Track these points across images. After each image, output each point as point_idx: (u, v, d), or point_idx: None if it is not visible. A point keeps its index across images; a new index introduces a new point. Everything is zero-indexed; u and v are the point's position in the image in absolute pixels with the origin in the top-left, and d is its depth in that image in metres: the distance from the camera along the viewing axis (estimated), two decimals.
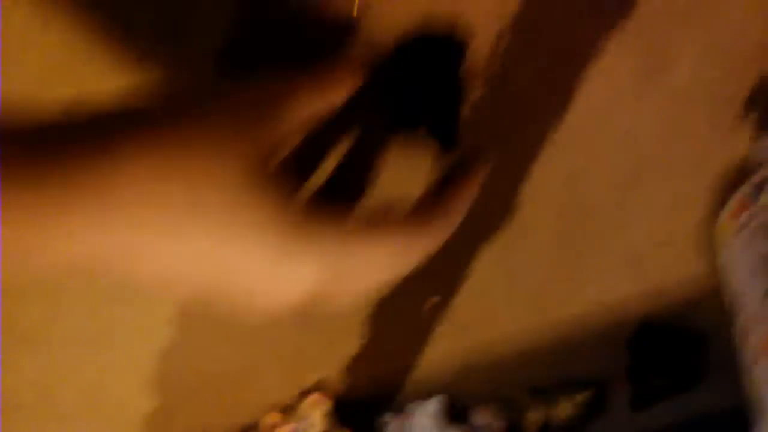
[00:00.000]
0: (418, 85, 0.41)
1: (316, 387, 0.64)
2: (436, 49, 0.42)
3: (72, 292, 0.60)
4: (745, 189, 0.48)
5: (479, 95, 0.45)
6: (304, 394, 0.64)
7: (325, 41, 0.42)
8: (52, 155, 0.25)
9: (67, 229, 0.25)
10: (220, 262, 0.29)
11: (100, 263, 0.27)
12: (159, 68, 0.44)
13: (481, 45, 0.43)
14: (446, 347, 0.61)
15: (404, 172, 0.49)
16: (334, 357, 0.63)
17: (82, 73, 0.44)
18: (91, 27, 0.42)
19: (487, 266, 0.55)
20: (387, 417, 0.62)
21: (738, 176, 0.49)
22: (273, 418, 0.64)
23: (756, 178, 0.47)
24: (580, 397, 0.63)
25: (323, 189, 0.37)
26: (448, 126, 0.42)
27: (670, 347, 0.61)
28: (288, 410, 0.64)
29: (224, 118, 0.29)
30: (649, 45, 0.43)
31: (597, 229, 0.53)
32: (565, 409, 0.63)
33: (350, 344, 0.62)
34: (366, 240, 0.31)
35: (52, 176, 0.25)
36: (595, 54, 0.43)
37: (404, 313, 0.59)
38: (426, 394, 0.63)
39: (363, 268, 0.31)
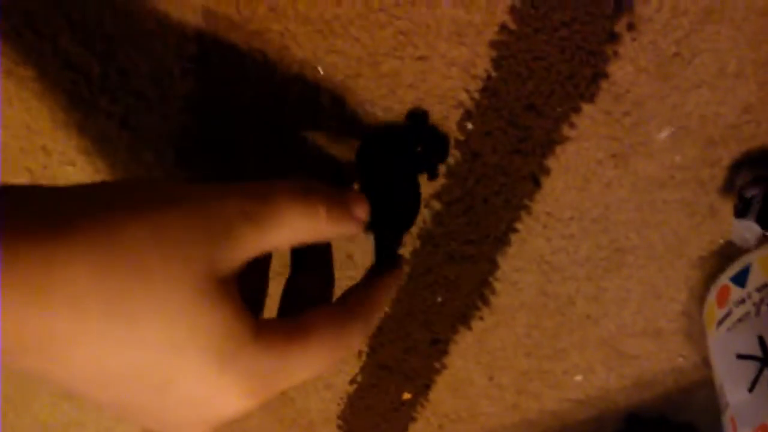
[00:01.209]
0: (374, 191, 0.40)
1: None
2: (395, 148, 0.41)
3: (36, 383, 0.59)
4: (726, 277, 0.46)
5: (446, 183, 0.44)
6: None
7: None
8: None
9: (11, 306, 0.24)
10: (159, 371, 0.27)
11: (40, 353, 0.25)
12: (117, 160, 0.43)
13: (447, 131, 0.42)
14: None
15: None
16: None
17: (41, 155, 0.43)
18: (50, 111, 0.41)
19: (464, 357, 0.53)
20: None
21: (721, 263, 0.47)
22: None
23: (736, 267, 0.45)
24: None
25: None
26: (394, 242, 0.40)
27: None
28: None
29: (186, 219, 0.27)
30: (616, 131, 0.41)
31: (575, 319, 0.50)
32: None
33: None
34: (301, 340, 0.30)
35: None
36: (562, 139, 0.42)
37: (377, 411, 0.57)
38: None
39: (296, 366, 0.30)
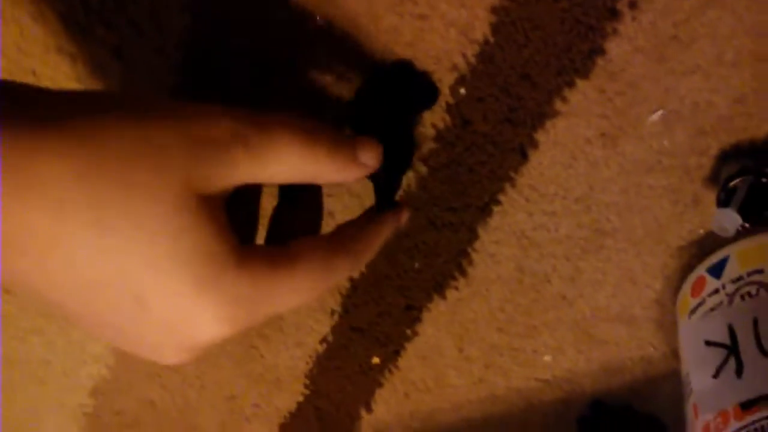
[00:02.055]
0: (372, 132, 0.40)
1: None
2: (391, 93, 0.41)
3: (6, 318, 0.58)
4: (703, 268, 0.46)
5: (434, 147, 0.44)
6: None
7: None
8: None
9: None
10: (133, 285, 0.27)
11: (16, 250, 0.25)
12: (110, 87, 0.43)
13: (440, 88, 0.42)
14: (389, 412, 0.59)
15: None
16: (271, 410, 0.61)
17: (29, 79, 0.43)
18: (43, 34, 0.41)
19: (437, 326, 0.53)
20: None
21: (699, 253, 0.48)
22: None
23: (714, 258, 0.45)
24: None
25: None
26: (392, 186, 0.41)
27: (623, 428, 0.58)
28: None
29: (175, 131, 0.27)
30: (607, 110, 0.41)
31: (549, 297, 0.51)
32: None
33: (288, 399, 0.60)
34: (286, 268, 0.30)
35: None
36: (554, 113, 0.42)
37: (345, 373, 0.57)
38: None
39: (279, 295, 0.30)
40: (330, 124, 0.42)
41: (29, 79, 0.42)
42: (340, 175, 0.33)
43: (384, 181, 0.39)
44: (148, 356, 0.30)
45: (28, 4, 0.39)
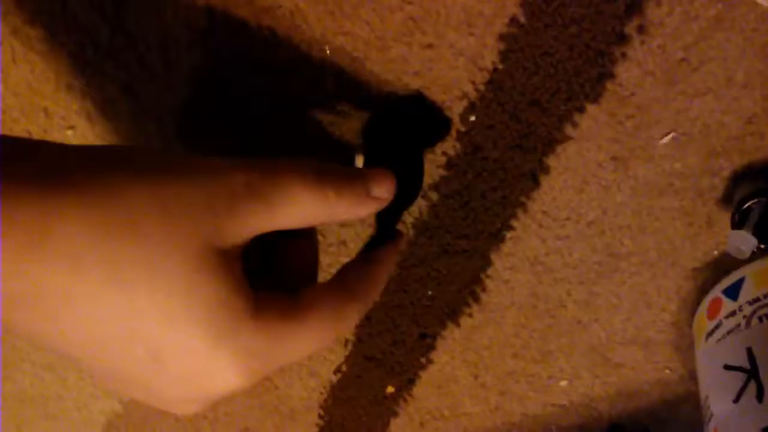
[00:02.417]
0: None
1: None
2: (403, 126, 0.41)
3: (18, 353, 0.58)
4: (719, 290, 0.46)
5: (445, 174, 0.44)
6: None
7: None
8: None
9: (7, 255, 0.23)
10: (150, 341, 0.26)
11: (30, 307, 0.25)
12: (118, 127, 0.43)
13: (450, 116, 0.42)
14: None
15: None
16: None
17: (41, 118, 0.43)
18: (54, 73, 0.41)
19: (451, 353, 0.53)
20: None
21: (714, 275, 0.47)
22: None
23: (729, 279, 0.45)
24: None
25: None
26: (392, 217, 0.40)
27: None
28: None
29: (190, 187, 0.27)
30: (618, 133, 0.41)
31: (564, 322, 0.50)
32: None
33: (303, 431, 0.59)
34: (299, 319, 0.30)
35: None
36: (564, 138, 0.42)
37: (359, 403, 0.56)
38: None
39: (293, 345, 0.29)
40: (341, 157, 0.42)
41: (42, 118, 0.42)
42: (353, 212, 0.33)
43: (389, 213, 0.39)
44: (163, 408, 0.30)
45: (39, 43, 0.40)
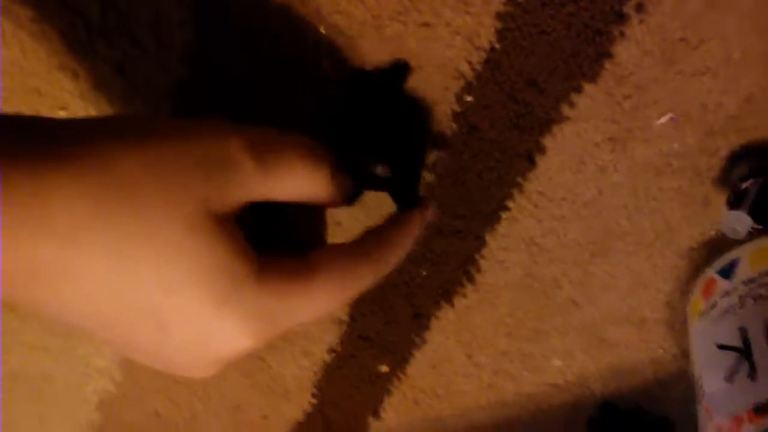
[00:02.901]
0: (378, 139, 0.40)
1: None
2: (398, 100, 0.41)
3: (10, 333, 0.58)
4: (713, 270, 0.46)
5: (441, 154, 0.43)
6: None
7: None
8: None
9: (7, 230, 0.23)
10: (154, 310, 0.26)
11: (27, 279, 0.24)
12: (110, 107, 0.42)
13: (445, 102, 0.41)
14: (398, 420, 0.58)
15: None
16: (279, 420, 0.60)
17: (33, 98, 0.42)
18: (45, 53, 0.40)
19: (445, 333, 0.53)
20: None
21: (709, 255, 0.47)
22: None
23: (724, 260, 0.45)
24: None
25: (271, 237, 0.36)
26: (408, 186, 0.40)
27: (633, 430, 0.58)
28: None
29: (185, 151, 0.27)
30: (616, 113, 0.41)
31: (559, 302, 0.50)
32: None
33: (296, 409, 0.59)
34: (306, 279, 0.29)
35: None
36: (561, 119, 0.42)
37: (353, 382, 0.56)
38: None
39: (301, 306, 0.29)
40: (333, 133, 0.42)
41: (34, 98, 0.42)
42: (336, 195, 0.33)
43: (398, 183, 0.39)
44: (179, 373, 0.30)
45: (29, 23, 0.39)
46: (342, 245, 0.32)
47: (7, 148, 0.24)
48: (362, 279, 0.32)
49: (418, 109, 0.42)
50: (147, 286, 0.26)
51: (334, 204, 0.34)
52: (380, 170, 0.38)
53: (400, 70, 0.40)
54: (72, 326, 0.27)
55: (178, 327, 0.27)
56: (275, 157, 0.29)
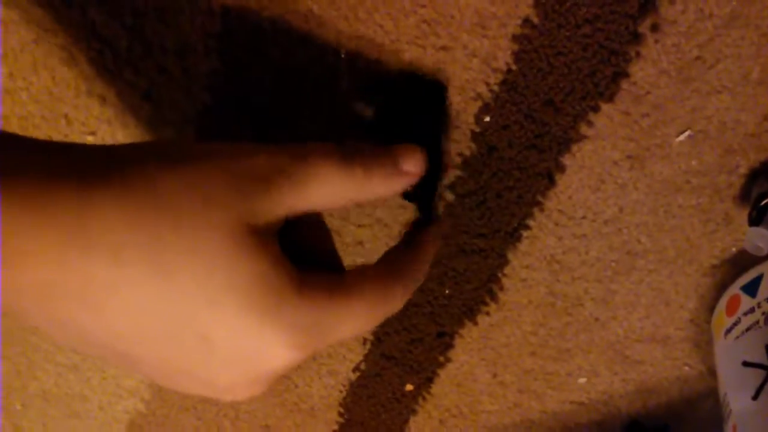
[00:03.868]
0: None
1: None
2: (418, 114, 0.41)
3: (43, 353, 0.59)
4: (737, 286, 0.46)
5: (461, 175, 0.44)
6: None
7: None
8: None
9: (42, 248, 0.24)
10: (195, 325, 0.27)
11: (75, 299, 0.25)
12: (137, 133, 0.43)
13: (464, 123, 0.42)
14: None
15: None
16: None
17: (62, 124, 0.43)
18: (74, 80, 0.42)
19: (469, 352, 0.53)
20: None
21: (732, 272, 0.47)
22: None
23: (748, 276, 0.45)
24: None
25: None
26: (427, 199, 0.41)
27: None
28: None
29: (217, 171, 0.28)
30: (634, 132, 0.41)
31: (582, 320, 0.50)
32: None
33: (323, 428, 0.60)
34: (344, 295, 0.30)
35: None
36: (579, 137, 0.42)
37: (378, 401, 0.57)
38: None
39: (340, 323, 0.30)
40: None
41: (63, 124, 0.43)
42: (384, 189, 0.33)
43: (422, 194, 0.39)
44: (220, 395, 0.30)
45: (59, 50, 0.40)
46: (374, 266, 0.33)
47: (54, 171, 0.25)
48: (396, 298, 0.33)
49: (438, 122, 0.42)
50: (190, 301, 0.26)
51: (391, 192, 0.34)
52: None
53: (437, 90, 0.41)
54: (108, 351, 0.27)
55: (222, 340, 0.27)
56: (307, 169, 0.30)
